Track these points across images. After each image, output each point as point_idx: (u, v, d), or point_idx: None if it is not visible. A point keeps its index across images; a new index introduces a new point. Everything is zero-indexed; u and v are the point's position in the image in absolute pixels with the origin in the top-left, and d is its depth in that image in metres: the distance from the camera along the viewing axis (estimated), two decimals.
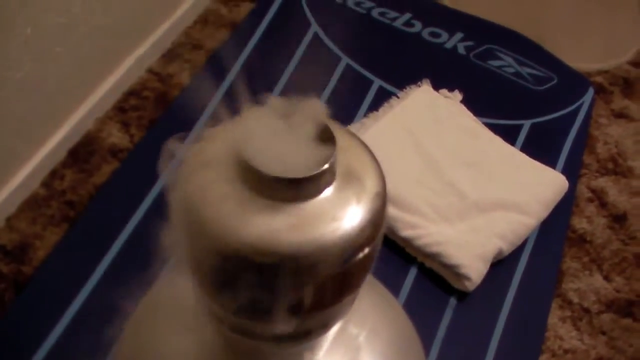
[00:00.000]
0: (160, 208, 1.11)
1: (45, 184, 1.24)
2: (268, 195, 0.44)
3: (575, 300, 1.16)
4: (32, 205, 1.21)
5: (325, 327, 0.53)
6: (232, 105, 0.52)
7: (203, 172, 0.46)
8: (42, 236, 1.17)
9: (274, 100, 0.46)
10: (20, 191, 1.21)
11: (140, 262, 0.96)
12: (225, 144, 0.46)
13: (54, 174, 1.25)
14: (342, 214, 0.44)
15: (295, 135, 0.44)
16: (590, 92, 1.38)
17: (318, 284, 0.46)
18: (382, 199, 0.47)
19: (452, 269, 1.06)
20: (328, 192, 0.45)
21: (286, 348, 0.54)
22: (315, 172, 0.43)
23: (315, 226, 0.44)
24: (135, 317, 0.74)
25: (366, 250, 0.46)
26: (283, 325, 0.47)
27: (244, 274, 0.45)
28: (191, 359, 0.62)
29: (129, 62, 1.39)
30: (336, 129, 0.46)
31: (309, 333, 0.51)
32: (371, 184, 0.47)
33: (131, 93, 1.38)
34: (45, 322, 1.00)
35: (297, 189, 0.44)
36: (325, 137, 0.45)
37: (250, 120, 0.45)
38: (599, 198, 1.29)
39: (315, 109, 0.46)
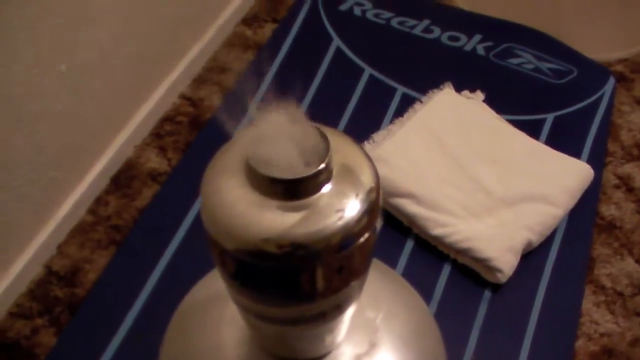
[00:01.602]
0: (199, 224, 1.16)
1: (91, 210, 1.29)
2: (275, 195, 0.50)
3: (608, 285, 1.17)
4: (80, 231, 1.26)
5: (339, 309, 0.58)
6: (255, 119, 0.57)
7: (219, 179, 0.53)
8: (92, 260, 1.22)
9: (276, 112, 0.52)
10: (69, 219, 1.26)
11: (186, 276, 1.02)
12: (236, 153, 0.53)
13: (99, 201, 1.30)
14: (343, 206, 0.50)
15: (292, 140, 0.50)
16: (611, 81, 1.39)
17: (327, 268, 0.52)
18: (377, 192, 0.53)
19: (484, 262, 1.08)
20: (327, 188, 0.51)
21: (306, 330, 0.60)
22: (313, 172, 0.49)
23: (322, 217, 0.50)
24: (176, 317, 0.80)
25: (366, 235, 0.52)
26: (301, 308, 0.54)
27: (262, 265, 0.51)
28: (227, 350, 0.68)
29: (161, 89, 1.44)
30: (329, 132, 0.52)
31: (325, 315, 0.57)
32: (366, 179, 0.52)
33: (166, 119, 1.43)
34: (101, 339, 1.05)
35: (299, 187, 0.50)
36: (320, 140, 0.51)
37: (255, 129, 0.51)
38: (626, 184, 1.30)
39: (302, 115, 0.51)
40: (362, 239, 0.52)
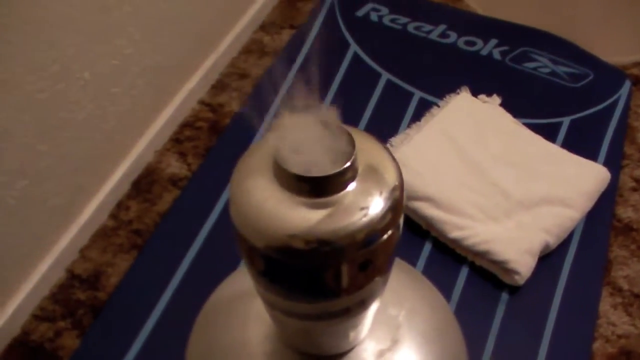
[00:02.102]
0: (220, 228, 1.18)
1: (113, 215, 1.31)
2: (302, 193, 0.52)
3: (626, 287, 1.18)
4: (102, 236, 1.28)
5: (363, 304, 0.60)
6: (278, 122, 0.59)
7: (247, 178, 0.54)
8: (114, 264, 1.24)
9: (302, 113, 0.54)
10: (91, 224, 1.28)
11: (207, 278, 1.03)
12: (264, 153, 0.54)
13: (120, 206, 1.32)
14: (367, 204, 0.52)
15: (320, 139, 0.52)
16: (627, 84, 1.40)
17: (352, 264, 0.54)
18: (401, 190, 0.54)
19: (501, 264, 1.09)
20: (352, 186, 0.52)
21: (331, 326, 0.62)
22: (339, 170, 0.51)
23: (347, 215, 0.51)
24: (203, 314, 0.81)
25: (390, 232, 0.54)
26: (326, 304, 0.55)
27: (289, 261, 0.53)
28: (253, 347, 0.69)
29: (181, 95, 1.46)
30: (354, 132, 0.53)
31: (349, 311, 0.59)
32: (390, 178, 0.54)
33: (185, 124, 1.45)
34: (123, 341, 1.06)
35: (325, 185, 0.51)
36: (346, 140, 0.53)
37: (282, 129, 0.52)
38: None
39: (332, 116, 0.53)
40: (385, 236, 0.53)
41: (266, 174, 0.53)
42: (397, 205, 0.53)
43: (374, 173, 0.53)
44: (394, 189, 0.53)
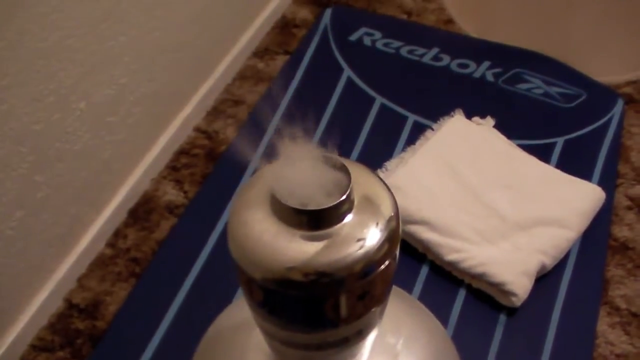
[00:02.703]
0: (218, 255, 1.19)
1: (110, 244, 1.31)
2: (299, 225, 0.52)
3: (623, 306, 1.18)
4: (100, 264, 1.28)
5: (360, 334, 0.60)
6: (276, 153, 0.59)
7: (246, 211, 0.55)
8: (112, 292, 1.24)
9: (299, 146, 0.54)
10: (88, 252, 1.28)
11: (205, 305, 1.03)
12: (262, 186, 0.55)
13: (118, 234, 1.32)
14: (364, 235, 0.52)
15: (316, 172, 0.52)
16: (620, 103, 1.41)
17: (350, 295, 0.54)
18: (396, 220, 0.55)
19: (498, 286, 1.10)
20: (349, 218, 0.53)
21: (330, 355, 0.62)
22: (335, 203, 0.51)
23: (344, 246, 0.52)
24: (203, 345, 0.82)
25: (387, 263, 0.54)
26: (325, 334, 0.56)
27: (287, 293, 0.53)
28: None
29: (176, 123, 1.46)
30: (350, 164, 0.54)
31: (347, 340, 0.59)
32: (385, 208, 0.54)
33: (181, 152, 1.45)
34: None
35: (322, 218, 0.52)
36: (341, 173, 0.53)
37: (280, 164, 0.53)
38: (638, 205, 1.31)
39: (329, 151, 0.53)
40: (383, 266, 0.54)
41: (264, 207, 0.54)
42: (394, 235, 0.54)
43: (369, 205, 0.54)
44: (389, 220, 0.54)
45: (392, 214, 0.54)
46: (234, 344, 0.77)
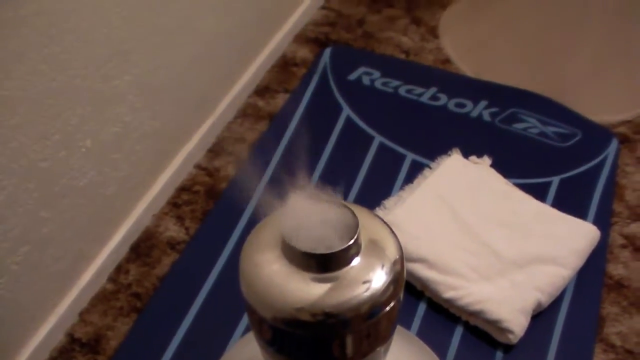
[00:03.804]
0: (219, 291, 1.20)
1: (112, 279, 1.32)
2: (308, 268, 0.54)
3: (618, 343, 1.19)
4: (102, 299, 1.29)
5: None
6: (276, 190, 0.61)
7: (257, 254, 0.57)
8: (114, 327, 1.24)
9: (307, 190, 0.56)
10: (90, 287, 1.29)
11: (206, 341, 1.04)
12: (273, 229, 0.57)
13: (119, 269, 1.33)
14: (370, 277, 0.54)
15: (324, 217, 0.55)
16: (615, 143, 1.42)
17: (356, 335, 0.56)
18: (401, 263, 0.57)
19: (495, 324, 1.11)
20: (357, 261, 0.55)
21: None
22: (344, 247, 0.53)
23: (351, 288, 0.54)
24: None
25: (392, 304, 0.56)
26: None
27: (296, 333, 0.55)
28: None
29: (178, 160, 1.48)
30: (357, 210, 0.56)
31: None
32: (391, 252, 0.57)
33: (183, 189, 1.47)
34: None
35: (330, 261, 0.54)
36: (349, 218, 0.56)
37: (289, 208, 0.55)
38: (632, 244, 1.33)
39: (337, 196, 0.56)
40: (388, 308, 0.56)
41: (274, 250, 0.56)
42: (399, 278, 0.56)
43: (376, 248, 0.56)
44: (395, 263, 0.56)
45: (397, 257, 0.57)
46: None
